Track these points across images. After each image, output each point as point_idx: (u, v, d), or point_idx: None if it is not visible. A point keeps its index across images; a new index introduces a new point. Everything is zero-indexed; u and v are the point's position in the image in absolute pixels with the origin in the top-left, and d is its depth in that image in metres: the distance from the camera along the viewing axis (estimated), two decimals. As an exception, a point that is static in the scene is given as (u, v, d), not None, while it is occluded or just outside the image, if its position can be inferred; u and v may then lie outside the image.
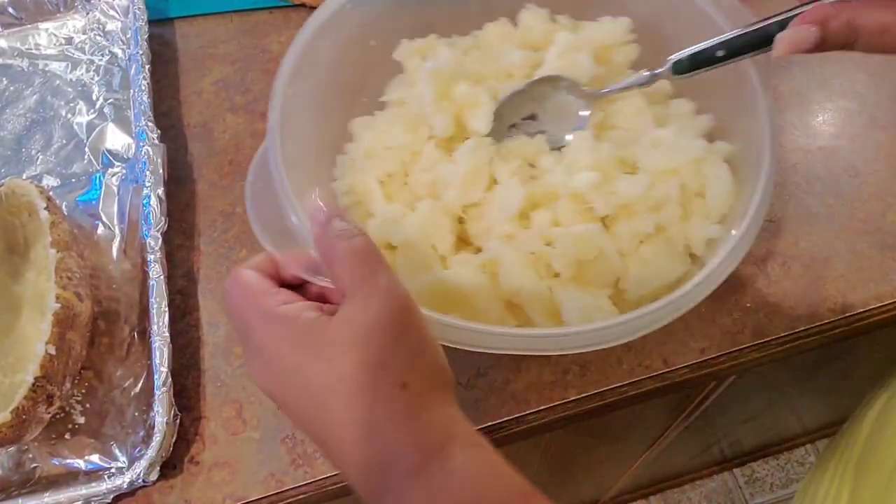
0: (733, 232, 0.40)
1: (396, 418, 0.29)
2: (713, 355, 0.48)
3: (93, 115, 0.58)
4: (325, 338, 0.30)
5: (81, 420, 0.47)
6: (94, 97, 0.59)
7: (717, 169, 0.45)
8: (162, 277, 0.48)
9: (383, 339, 0.29)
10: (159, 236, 0.50)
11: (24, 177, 0.56)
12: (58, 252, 0.46)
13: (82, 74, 0.60)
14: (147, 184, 0.51)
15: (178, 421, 0.45)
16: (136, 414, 0.47)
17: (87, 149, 0.57)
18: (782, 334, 0.48)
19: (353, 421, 0.29)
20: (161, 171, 0.52)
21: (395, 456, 0.28)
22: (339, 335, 0.30)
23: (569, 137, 0.48)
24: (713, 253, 0.42)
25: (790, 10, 0.43)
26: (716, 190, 0.45)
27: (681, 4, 0.48)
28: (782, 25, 0.42)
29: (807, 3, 0.40)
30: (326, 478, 0.45)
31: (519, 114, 0.49)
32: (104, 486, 0.43)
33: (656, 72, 0.46)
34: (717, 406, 0.73)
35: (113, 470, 0.45)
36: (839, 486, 0.51)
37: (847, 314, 0.49)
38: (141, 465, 0.43)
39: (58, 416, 0.46)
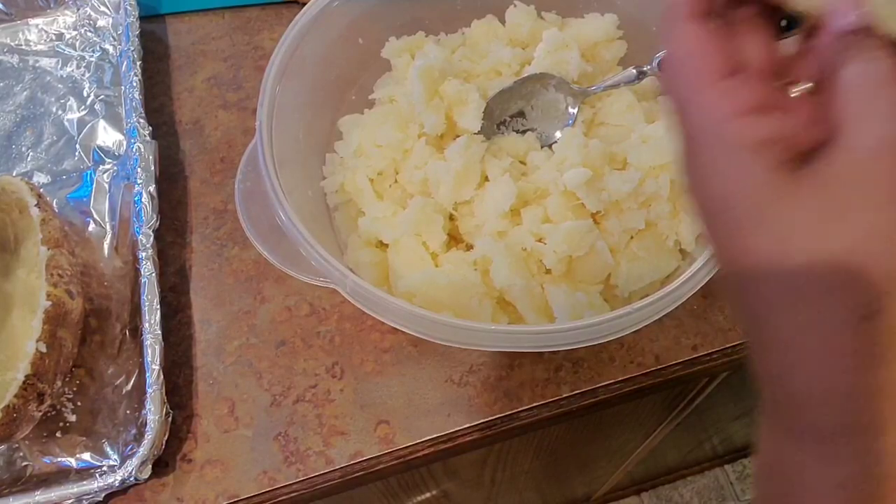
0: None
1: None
2: (705, 352, 0.48)
3: (84, 112, 0.58)
4: (807, 198, 0.20)
5: (73, 418, 0.47)
6: (85, 94, 0.59)
7: (707, 166, 0.45)
8: (154, 275, 0.48)
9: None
10: (151, 233, 0.49)
11: (14, 174, 0.56)
12: (49, 249, 0.46)
13: (73, 71, 0.60)
14: (139, 181, 0.51)
15: (170, 419, 0.45)
16: (128, 412, 0.47)
17: (78, 145, 0.57)
18: (773, 331, 0.48)
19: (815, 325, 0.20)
20: (153, 168, 0.52)
21: None
22: (829, 194, 0.20)
23: (558, 134, 0.48)
24: (702, 248, 0.42)
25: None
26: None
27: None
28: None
29: None
30: (319, 475, 0.45)
31: (508, 111, 0.49)
32: (96, 484, 0.43)
33: (644, 69, 0.46)
34: (709, 403, 0.73)
35: (104, 468, 0.45)
36: None
37: (837, 310, 0.49)
38: (133, 463, 0.43)
39: (49, 414, 0.46)
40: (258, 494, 0.45)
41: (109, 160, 0.56)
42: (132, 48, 0.57)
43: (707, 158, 0.21)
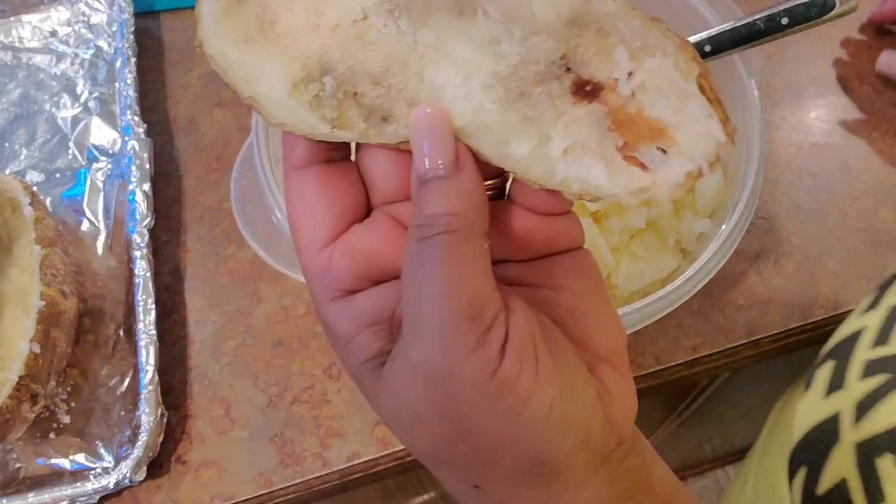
0: (723, 227, 0.40)
1: None
2: (706, 353, 0.47)
3: (78, 110, 0.57)
4: (382, 399, 0.22)
5: (67, 419, 0.46)
6: (78, 91, 0.58)
7: (708, 164, 0.45)
8: (148, 274, 0.47)
9: (436, 439, 0.21)
10: (145, 232, 0.49)
11: (7, 172, 0.55)
12: (42, 248, 0.45)
13: (67, 68, 0.59)
14: (133, 179, 0.51)
15: (164, 420, 0.45)
16: (123, 413, 0.46)
17: (71, 143, 0.56)
18: (775, 331, 0.48)
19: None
20: (147, 166, 0.51)
21: None
22: (387, 405, 0.22)
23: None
24: (703, 248, 0.41)
25: (778, 5, 0.43)
26: (705, 184, 0.45)
27: (670, -2, 0.48)
28: (770, 21, 0.42)
29: None
30: (316, 477, 0.45)
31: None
32: (90, 486, 0.42)
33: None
34: (709, 404, 0.73)
35: (99, 470, 0.44)
36: (745, 475, 0.52)
37: (840, 311, 0.49)
38: (127, 465, 0.42)
39: (42, 416, 0.46)
40: (254, 497, 0.44)
41: (103, 158, 0.55)
42: (126, 45, 0.56)
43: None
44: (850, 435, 0.30)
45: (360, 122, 0.21)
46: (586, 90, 0.19)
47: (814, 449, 0.32)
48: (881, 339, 0.32)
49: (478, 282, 0.19)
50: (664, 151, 0.19)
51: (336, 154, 0.22)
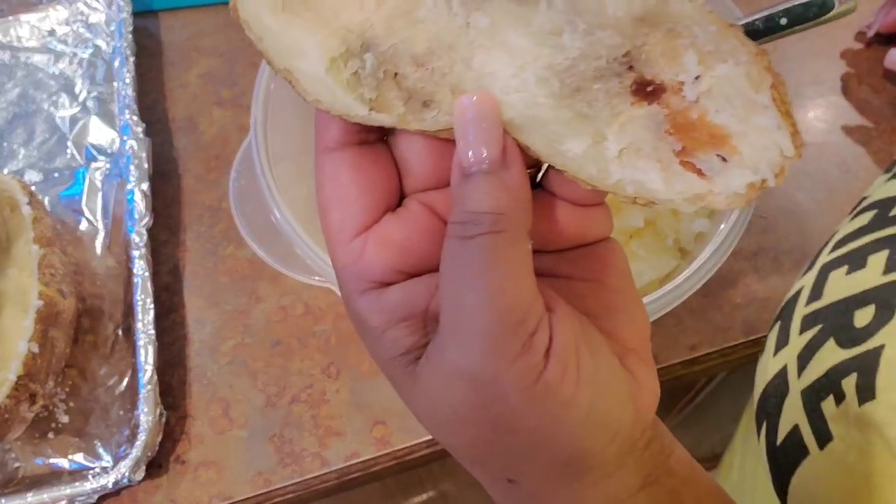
0: (722, 226, 0.40)
1: None
2: (704, 352, 0.47)
3: (76, 109, 0.57)
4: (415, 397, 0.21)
5: (65, 419, 0.46)
6: (77, 90, 0.58)
7: (707, 163, 0.45)
8: (147, 274, 0.47)
9: (471, 439, 0.21)
10: (144, 232, 0.49)
11: (5, 172, 0.55)
12: (40, 248, 0.45)
13: (65, 67, 0.59)
14: (131, 179, 0.50)
15: (163, 419, 0.45)
16: (121, 412, 0.46)
17: (70, 143, 0.56)
18: (772, 330, 0.48)
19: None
20: (146, 165, 0.51)
21: None
22: (422, 403, 0.21)
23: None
24: (702, 247, 0.41)
25: (777, 5, 0.43)
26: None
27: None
28: (769, 21, 0.42)
29: None
30: (314, 477, 0.45)
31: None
32: (88, 485, 0.42)
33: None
34: (707, 402, 0.73)
35: (97, 469, 0.44)
36: (731, 460, 0.53)
37: (837, 309, 0.49)
38: (126, 465, 0.42)
39: (41, 415, 0.46)
40: (253, 496, 0.44)
41: (102, 158, 0.55)
42: (125, 44, 0.56)
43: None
44: (797, 384, 0.32)
45: (399, 106, 0.19)
46: (647, 91, 0.18)
47: (770, 403, 0.34)
48: (814, 295, 0.33)
49: (522, 287, 0.19)
50: (724, 160, 0.18)
51: (370, 136, 0.21)
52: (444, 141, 0.20)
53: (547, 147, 0.19)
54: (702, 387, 0.67)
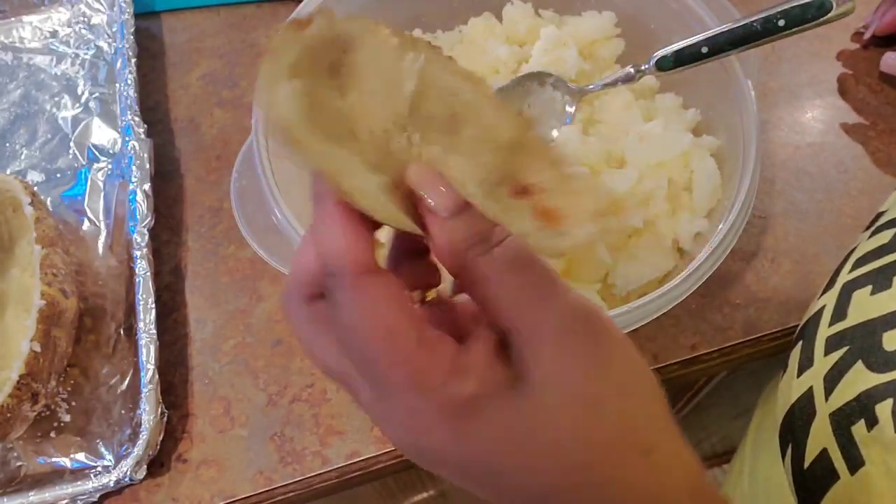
0: (720, 226, 0.40)
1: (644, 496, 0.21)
2: (704, 351, 0.48)
3: (78, 110, 0.58)
4: (531, 422, 0.20)
5: (67, 418, 0.46)
6: (79, 91, 0.58)
7: (703, 163, 0.45)
8: (148, 274, 0.48)
9: (612, 397, 0.21)
10: (146, 232, 0.49)
11: (8, 172, 0.55)
12: (43, 248, 0.45)
13: (67, 68, 0.60)
14: (133, 179, 0.51)
15: (165, 418, 0.45)
16: (123, 411, 0.46)
17: (72, 143, 0.56)
18: (772, 330, 0.48)
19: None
20: (147, 166, 0.52)
21: None
22: (546, 410, 0.20)
23: (555, 133, 0.47)
24: (700, 247, 0.42)
25: (775, 7, 0.43)
26: (703, 184, 0.45)
27: (667, -1, 0.48)
28: (767, 22, 0.42)
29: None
30: (315, 475, 0.45)
31: (506, 110, 0.49)
32: (90, 484, 0.42)
33: (641, 68, 0.46)
34: (707, 402, 0.73)
35: (99, 468, 0.44)
36: (740, 465, 0.53)
37: (835, 309, 0.49)
38: (128, 464, 0.42)
39: (43, 414, 0.46)
40: (254, 495, 0.44)
41: (104, 158, 0.55)
42: (127, 45, 0.56)
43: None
44: (824, 408, 0.31)
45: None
46: (520, 190, 0.25)
47: (796, 426, 0.34)
48: (838, 315, 0.33)
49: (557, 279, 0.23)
50: (562, 227, 0.24)
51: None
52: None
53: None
54: (701, 386, 0.68)
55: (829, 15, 0.42)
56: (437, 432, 0.20)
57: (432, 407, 0.20)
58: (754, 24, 0.42)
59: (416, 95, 0.24)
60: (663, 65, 0.45)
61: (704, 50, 0.43)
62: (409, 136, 0.24)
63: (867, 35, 0.58)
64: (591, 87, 0.47)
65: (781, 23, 0.42)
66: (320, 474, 0.45)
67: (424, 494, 0.78)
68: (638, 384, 0.22)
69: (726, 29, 0.43)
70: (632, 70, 0.46)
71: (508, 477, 0.21)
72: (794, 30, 0.42)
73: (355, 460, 0.45)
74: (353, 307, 0.20)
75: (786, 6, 0.42)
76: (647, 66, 0.45)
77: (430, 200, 0.21)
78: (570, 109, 0.48)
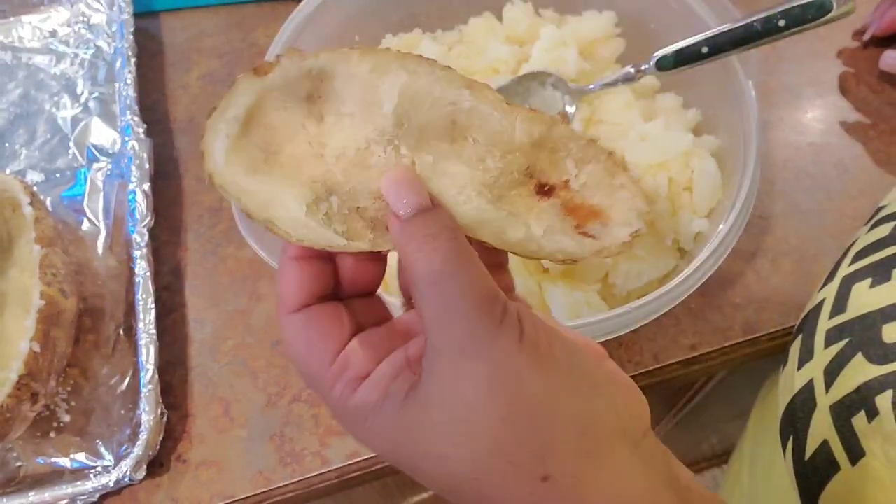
0: (721, 226, 0.40)
1: None
2: (704, 351, 0.48)
3: (77, 110, 0.58)
4: (422, 430, 0.22)
5: (67, 418, 0.46)
6: (78, 91, 0.58)
7: (704, 163, 0.45)
8: (148, 274, 0.48)
9: (497, 423, 0.21)
10: (145, 232, 0.49)
11: (7, 172, 0.55)
12: (42, 248, 0.45)
13: (67, 68, 0.60)
14: (133, 179, 0.51)
15: (164, 419, 0.45)
16: (123, 412, 0.46)
17: (71, 143, 0.56)
18: (772, 330, 0.48)
19: None
20: (147, 166, 0.52)
21: None
22: (436, 426, 0.22)
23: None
24: (701, 247, 0.42)
25: (776, 7, 0.43)
26: (703, 184, 0.45)
27: (667, -1, 0.48)
28: (767, 22, 0.42)
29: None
30: (315, 476, 0.45)
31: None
32: (90, 484, 0.42)
33: (641, 68, 0.46)
34: (707, 402, 0.73)
35: (99, 468, 0.44)
36: (739, 463, 0.53)
37: (836, 309, 0.49)
38: (127, 464, 0.42)
39: (43, 415, 0.46)
40: (254, 495, 0.44)
41: (103, 158, 0.55)
42: (126, 45, 0.56)
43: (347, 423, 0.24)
44: (825, 400, 0.32)
45: (367, 233, 0.25)
46: (545, 190, 0.26)
47: (796, 418, 0.34)
48: (838, 308, 0.33)
49: (486, 274, 0.23)
50: (604, 225, 0.26)
51: (323, 291, 0.25)
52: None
53: (495, 238, 0.25)
54: (701, 386, 0.68)
55: (830, 15, 0.42)
56: (358, 432, 0.24)
57: (348, 411, 0.24)
58: (755, 24, 0.42)
59: (402, 111, 0.24)
60: (663, 65, 0.45)
61: (705, 50, 0.43)
62: (397, 148, 0.25)
63: (866, 36, 0.58)
64: (591, 87, 0.47)
65: (782, 23, 0.42)
66: (320, 474, 0.45)
67: (424, 495, 0.78)
68: (536, 413, 0.21)
69: (727, 29, 0.43)
70: (632, 70, 0.46)
71: (410, 471, 0.23)
72: (794, 30, 0.42)
73: (355, 460, 0.45)
74: (283, 336, 0.25)
75: (786, 6, 0.42)
76: (647, 66, 0.45)
77: (391, 199, 0.23)
78: (571, 109, 0.48)
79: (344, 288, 0.26)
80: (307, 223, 0.24)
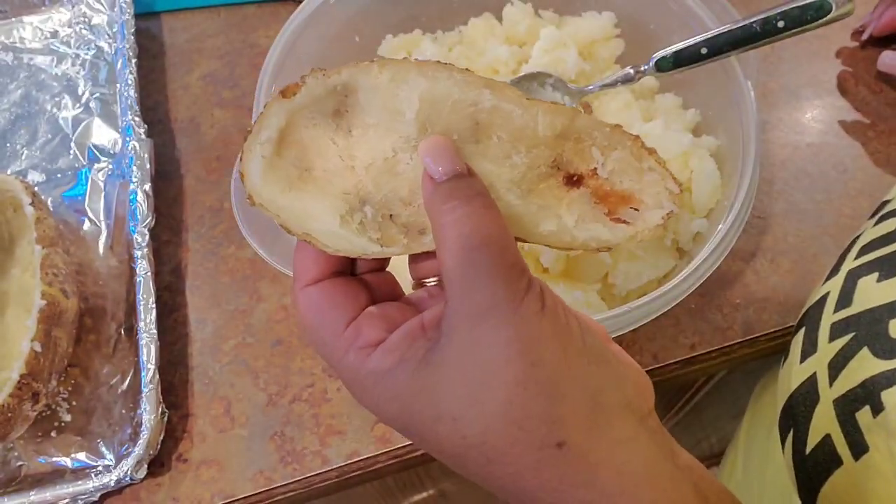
0: (720, 226, 0.40)
1: (555, 491, 0.22)
2: (703, 351, 0.48)
3: (79, 110, 0.58)
4: (436, 393, 0.22)
5: (68, 418, 0.46)
6: (79, 91, 0.58)
7: (703, 163, 0.45)
8: (149, 274, 0.48)
9: (512, 387, 0.21)
10: (146, 232, 0.49)
11: (8, 172, 0.55)
12: (43, 248, 0.45)
13: (68, 68, 0.60)
14: (134, 179, 0.51)
15: (165, 418, 0.45)
16: (124, 411, 0.46)
17: (72, 144, 0.56)
18: (771, 329, 0.48)
19: (502, 489, 0.22)
20: (148, 166, 0.52)
21: None
22: (450, 388, 0.22)
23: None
24: (700, 247, 0.42)
25: (775, 8, 0.43)
26: (702, 184, 0.45)
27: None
28: (766, 23, 0.42)
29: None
30: (315, 475, 0.45)
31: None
32: (91, 484, 0.42)
33: (640, 69, 0.46)
34: (706, 401, 0.73)
35: (100, 468, 0.44)
36: (733, 458, 0.53)
37: (835, 309, 0.49)
38: (128, 463, 0.42)
39: (44, 414, 0.46)
40: (254, 494, 0.44)
41: (104, 158, 0.55)
42: (127, 46, 0.56)
43: (360, 391, 0.25)
44: (828, 394, 0.31)
45: (401, 238, 0.26)
46: (573, 180, 0.26)
47: (797, 412, 0.34)
48: (843, 301, 0.33)
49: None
50: (636, 209, 0.27)
51: (341, 268, 0.26)
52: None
53: (529, 233, 0.26)
54: (700, 386, 0.68)
55: (829, 16, 0.42)
56: (369, 398, 0.24)
57: (360, 378, 0.24)
58: (754, 25, 0.42)
59: (424, 116, 0.25)
60: (663, 65, 0.45)
61: (704, 51, 0.43)
62: None
63: (865, 36, 0.58)
64: (591, 87, 0.48)
65: (781, 24, 0.42)
66: (320, 474, 0.45)
67: (424, 494, 0.78)
68: (550, 381, 0.22)
69: (726, 30, 0.43)
70: (631, 70, 0.46)
71: (420, 437, 0.23)
72: (793, 31, 0.42)
73: (355, 460, 0.45)
74: (297, 309, 0.25)
75: (785, 7, 0.42)
76: (646, 67, 0.45)
77: (427, 163, 0.24)
78: (570, 110, 0.48)
79: (358, 264, 0.27)
80: (343, 234, 0.25)
